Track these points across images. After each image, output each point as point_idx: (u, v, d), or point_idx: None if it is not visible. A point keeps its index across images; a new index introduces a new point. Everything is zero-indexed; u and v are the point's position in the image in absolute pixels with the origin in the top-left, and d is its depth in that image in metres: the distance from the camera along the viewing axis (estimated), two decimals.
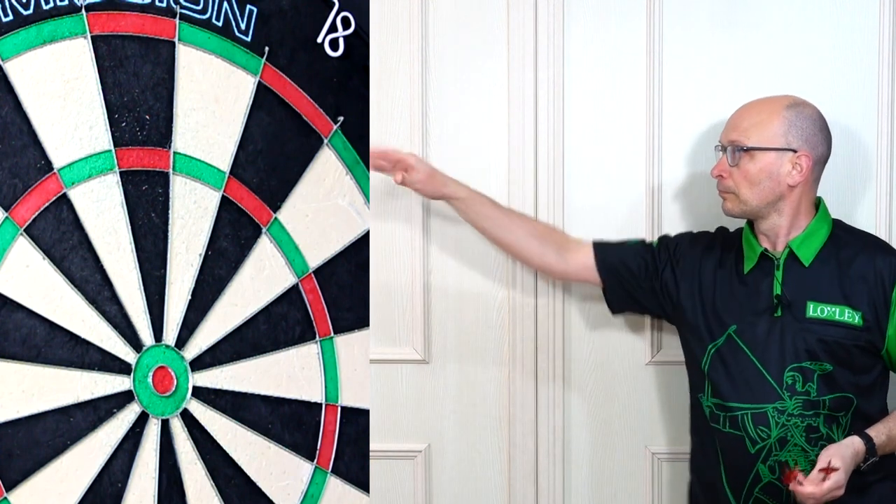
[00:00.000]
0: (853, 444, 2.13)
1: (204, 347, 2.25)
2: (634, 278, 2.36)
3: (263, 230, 2.32)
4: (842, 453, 2.10)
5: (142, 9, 2.19)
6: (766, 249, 2.24)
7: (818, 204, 2.26)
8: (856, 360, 2.19)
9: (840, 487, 2.08)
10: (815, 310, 2.20)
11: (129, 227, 2.17)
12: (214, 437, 2.25)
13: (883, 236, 2.44)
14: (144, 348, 2.18)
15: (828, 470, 2.07)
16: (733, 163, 2.22)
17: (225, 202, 2.20)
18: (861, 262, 2.20)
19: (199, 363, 2.24)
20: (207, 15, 2.26)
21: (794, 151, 2.19)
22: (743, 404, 2.21)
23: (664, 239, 2.39)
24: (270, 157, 2.31)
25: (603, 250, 2.39)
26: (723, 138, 2.26)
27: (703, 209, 2.52)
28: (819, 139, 2.21)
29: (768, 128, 2.19)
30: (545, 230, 2.45)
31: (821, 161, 2.23)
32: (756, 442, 2.20)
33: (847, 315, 2.19)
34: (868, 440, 2.14)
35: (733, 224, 2.37)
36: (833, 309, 2.19)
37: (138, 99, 2.18)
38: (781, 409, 2.19)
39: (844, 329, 2.18)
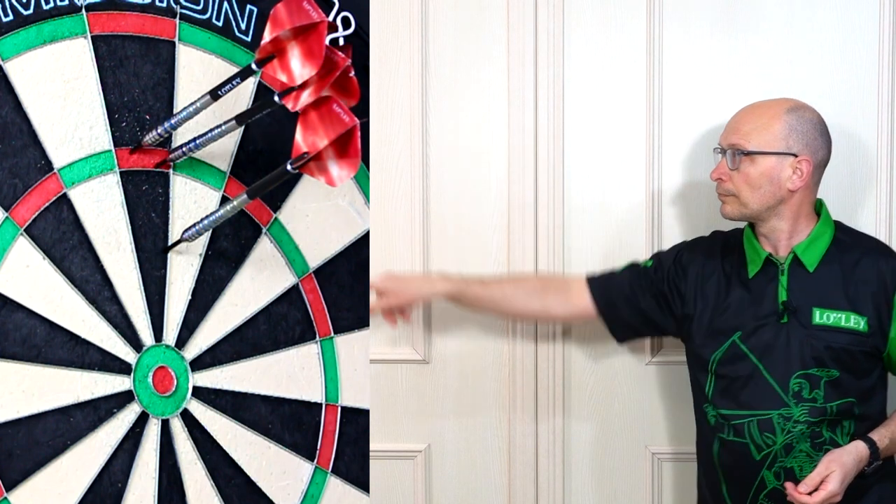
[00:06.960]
0: (857, 449, 2.13)
1: (204, 347, 2.24)
2: (631, 303, 2.33)
3: (263, 230, 2.32)
4: (843, 461, 2.10)
5: (142, 9, 2.19)
6: (770, 254, 2.23)
7: (819, 207, 2.25)
8: (860, 364, 2.18)
9: (837, 495, 2.09)
10: (821, 316, 2.18)
11: (129, 227, 2.17)
12: (214, 437, 2.25)
13: (883, 238, 2.44)
14: (144, 348, 2.18)
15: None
16: (733, 166, 2.19)
17: (225, 202, 2.20)
18: (864, 267, 2.19)
19: (199, 363, 2.24)
20: (207, 15, 2.26)
21: (795, 156, 2.17)
22: (748, 411, 2.20)
23: (659, 255, 2.36)
24: (270, 157, 2.31)
25: (596, 284, 2.37)
26: (722, 141, 2.23)
27: (702, 209, 2.52)
28: (819, 143, 2.19)
29: (769, 132, 2.17)
30: (543, 283, 2.42)
31: (821, 165, 2.21)
32: (762, 448, 2.19)
33: (853, 321, 2.17)
34: (871, 444, 2.14)
35: (728, 226, 2.36)
36: (839, 315, 2.18)
37: (138, 99, 2.18)
38: (787, 415, 2.17)
39: (851, 335, 2.17)
